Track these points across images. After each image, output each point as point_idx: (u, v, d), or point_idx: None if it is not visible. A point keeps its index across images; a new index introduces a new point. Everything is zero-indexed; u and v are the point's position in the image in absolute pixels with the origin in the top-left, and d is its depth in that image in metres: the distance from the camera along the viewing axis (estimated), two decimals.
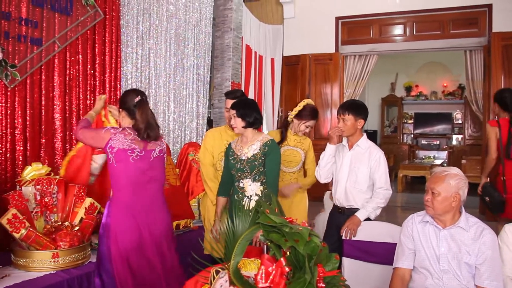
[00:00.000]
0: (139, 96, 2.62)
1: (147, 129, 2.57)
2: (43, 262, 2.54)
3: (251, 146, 3.00)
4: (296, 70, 7.65)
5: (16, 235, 2.51)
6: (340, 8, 7.47)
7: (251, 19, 6.52)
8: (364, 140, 3.20)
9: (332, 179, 3.35)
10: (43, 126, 3.34)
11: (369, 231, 3.03)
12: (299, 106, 3.50)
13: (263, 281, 1.57)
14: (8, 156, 3.06)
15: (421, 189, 9.93)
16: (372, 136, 12.28)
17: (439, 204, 2.30)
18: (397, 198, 9.02)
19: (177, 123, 4.83)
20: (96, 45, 3.79)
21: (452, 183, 2.28)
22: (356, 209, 3.12)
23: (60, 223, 2.86)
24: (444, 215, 2.33)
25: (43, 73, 3.34)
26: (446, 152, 12.50)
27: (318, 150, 3.59)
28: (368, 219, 3.09)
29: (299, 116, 3.49)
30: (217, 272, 1.57)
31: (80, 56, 3.64)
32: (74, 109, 3.59)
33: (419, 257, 2.42)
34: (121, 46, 4.01)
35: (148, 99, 4.29)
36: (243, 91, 3.58)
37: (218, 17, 5.78)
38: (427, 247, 2.39)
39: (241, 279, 1.54)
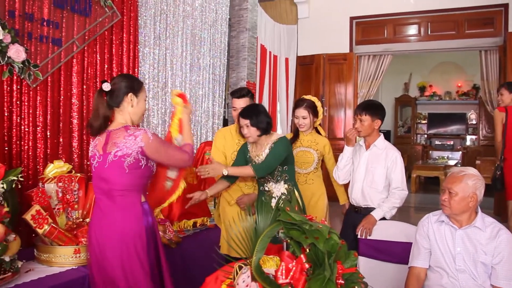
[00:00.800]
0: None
1: (92, 120, 2.30)
2: (65, 257, 2.59)
3: (264, 151, 3.04)
4: (310, 70, 7.67)
5: (40, 231, 2.57)
6: (355, 8, 7.48)
7: (266, 19, 6.55)
8: (381, 140, 3.23)
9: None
10: (61, 125, 3.40)
11: (384, 231, 3.05)
12: None
13: (284, 277, 1.61)
14: (30, 154, 3.13)
15: (434, 190, 9.92)
16: (385, 136, 12.16)
17: (457, 204, 2.31)
18: (410, 199, 9.00)
19: (193, 122, 4.88)
20: (114, 45, 3.85)
21: (470, 183, 2.30)
22: (372, 209, 3.15)
23: (81, 219, 2.93)
24: (460, 215, 2.35)
25: (62, 73, 3.40)
26: (460, 152, 12.43)
27: (332, 150, 3.62)
28: (383, 218, 3.12)
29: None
30: (240, 267, 1.61)
31: (98, 56, 3.69)
32: (91, 109, 3.64)
33: (434, 257, 2.44)
34: (138, 46, 4.07)
35: (164, 98, 4.42)
36: (249, 89, 3.56)
37: (233, 17, 5.82)
38: (443, 246, 2.41)
39: (263, 274, 1.58)
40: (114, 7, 3.75)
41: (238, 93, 3.40)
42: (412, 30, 7.37)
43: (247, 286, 1.58)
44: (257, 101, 6.14)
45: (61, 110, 3.39)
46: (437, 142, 13.53)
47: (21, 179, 2.73)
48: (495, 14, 6.76)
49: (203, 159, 3.89)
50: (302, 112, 3.49)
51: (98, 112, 2.29)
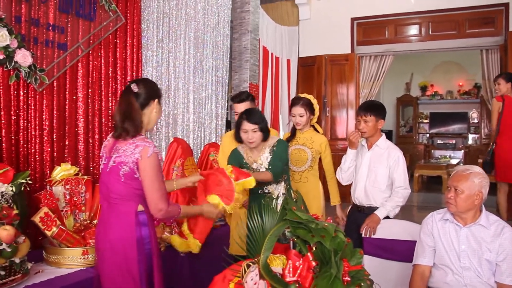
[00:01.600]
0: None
1: (122, 123, 2.20)
2: (73, 259, 2.63)
3: (262, 156, 3.04)
4: (312, 71, 7.70)
5: (48, 233, 2.60)
6: (356, 9, 7.50)
7: (268, 21, 6.59)
8: (383, 140, 3.26)
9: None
10: (67, 128, 3.44)
11: (388, 229, 3.08)
12: None
13: (291, 275, 1.64)
14: (37, 157, 3.17)
15: (437, 189, 9.93)
16: (387, 136, 12.17)
17: (463, 202, 2.33)
18: (413, 198, 9.01)
19: (197, 124, 4.91)
20: (118, 49, 3.89)
21: (476, 181, 2.32)
22: (375, 208, 3.17)
23: (88, 221, 2.96)
24: (466, 212, 2.37)
25: (67, 76, 3.43)
26: (462, 151, 12.43)
27: (334, 150, 3.65)
28: (387, 217, 3.15)
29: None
30: (248, 266, 1.64)
31: (103, 60, 3.73)
32: (96, 111, 3.68)
33: (439, 254, 2.46)
34: (142, 50, 4.10)
35: (167, 101, 4.45)
36: (248, 91, 3.60)
37: (235, 20, 5.85)
38: (447, 244, 2.43)
39: (270, 273, 1.61)
40: (118, 11, 3.79)
41: (238, 97, 3.46)
42: (413, 30, 7.40)
43: (255, 284, 1.61)
44: (260, 103, 6.17)
45: (67, 113, 3.43)
46: (439, 141, 13.53)
47: (29, 182, 2.77)
48: (495, 13, 6.77)
49: (207, 160, 3.93)
50: (298, 109, 3.51)
51: (131, 114, 2.20)
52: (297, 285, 1.61)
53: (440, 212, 2.53)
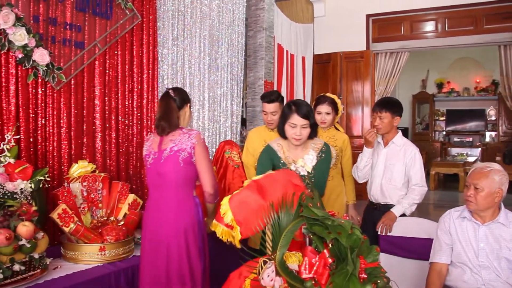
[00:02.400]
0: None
1: (158, 121, 2.57)
2: (91, 255, 2.67)
3: (306, 156, 2.69)
4: (327, 68, 7.67)
5: (66, 229, 2.64)
6: (371, 5, 7.46)
7: (283, 19, 6.57)
8: (399, 137, 3.24)
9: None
10: (84, 126, 3.47)
11: (405, 227, 3.06)
12: None
13: (307, 272, 1.64)
14: (55, 154, 3.21)
15: (453, 187, 9.84)
16: (403, 133, 12.12)
17: (483, 199, 2.30)
18: (429, 196, 8.95)
19: (212, 121, 4.92)
20: (134, 47, 3.91)
21: (496, 178, 2.29)
22: (391, 205, 3.16)
23: (105, 218, 2.99)
24: (485, 210, 2.34)
25: (85, 75, 3.47)
26: (479, 149, 12.30)
27: (351, 148, 3.64)
28: (403, 215, 3.13)
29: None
30: (265, 262, 1.65)
31: (119, 58, 3.76)
32: (113, 109, 3.71)
33: (456, 253, 2.44)
34: (157, 48, 4.13)
35: None
36: (279, 92, 3.61)
37: (250, 17, 5.85)
38: (465, 242, 2.40)
39: (287, 269, 1.61)
40: (135, 10, 3.82)
41: (268, 97, 3.47)
42: (429, 26, 7.33)
43: (271, 280, 1.62)
44: None
45: (84, 111, 3.46)
46: (455, 139, 13.40)
47: (48, 179, 2.81)
48: None
49: (223, 157, 3.94)
50: (326, 108, 3.50)
51: (169, 114, 2.57)
52: (313, 282, 1.61)
53: (457, 209, 2.51)
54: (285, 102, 3.28)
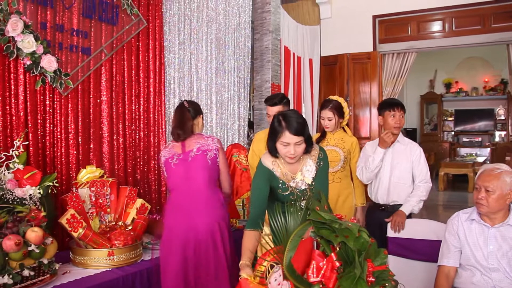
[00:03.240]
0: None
1: (174, 129, 2.83)
2: (99, 259, 2.68)
3: (304, 168, 2.41)
4: (334, 70, 7.65)
5: (75, 234, 2.65)
6: (377, 6, 7.43)
7: (289, 21, 6.57)
8: (402, 137, 3.33)
9: None
10: (92, 131, 3.49)
11: (413, 229, 3.05)
12: None
13: (314, 275, 1.63)
14: (63, 160, 3.23)
15: (462, 188, 9.78)
16: (411, 134, 12.13)
17: (495, 202, 2.27)
18: (438, 197, 8.89)
19: (219, 125, 4.93)
20: (140, 52, 3.93)
21: (508, 180, 2.26)
22: (398, 205, 3.18)
23: (114, 223, 3.01)
24: (497, 213, 2.31)
25: (91, 80, 3.49)
26: (489, 149, 12.21)
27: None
28: (410, 215, 3.15)
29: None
30: (272, 266, 1.65)
31: (125, 63, 3.78)
32: (120, 114, 3.73)
33: (465, 255, 2.41)
34: (164, 52, 4.14)
35: None
36: (283, 93, 3.63)
37: (256, 20, 5.85)
38: (474, 245, 2.38)
39: (294, 273, 1.61)
40: (140, 15, 3.84)
41: (270, 101, 3.48)
42: (436, 26, 7.28)
43: (279, 284, 1.61)
44: None
45: (91, 116, 3.48)
46: (464, 139, 13.31)
47: (56, 184, 2.83)
48: None
49: (230, 161, 3.95)
50: (327, 113, 3.51)
51: (184, 122, 2.81)
52: (321, 286, 1.60)
53: (466, 211, 2.48)
54: (291, 104, 3.28)
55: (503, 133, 12.58)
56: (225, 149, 4.52)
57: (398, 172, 3.24)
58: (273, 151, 2.35)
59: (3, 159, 2.64)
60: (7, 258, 2.18)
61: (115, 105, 3.68)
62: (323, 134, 3.61)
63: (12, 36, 2.84)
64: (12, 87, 2.93)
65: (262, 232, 2.29)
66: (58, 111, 3.22)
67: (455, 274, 2.46)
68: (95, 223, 2.96)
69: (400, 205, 3.19)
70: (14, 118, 2.93)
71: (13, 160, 2.66)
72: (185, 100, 2.96)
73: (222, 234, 2.71)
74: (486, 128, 13.04)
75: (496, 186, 2.26)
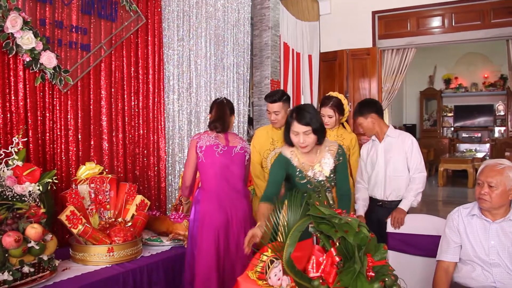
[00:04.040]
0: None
1: (215, 121, 3.01)
2: (99, 256, 2.68)
3: (322, 160, 2.61)
4: (333, 66, 7.63)
5: (74, 231, 2.65)
6: (376, 2, 7.41)
7: (288, 17, 6.55)
8: (392, 130, 3.33)
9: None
10: (91, 128, 3.49)
11: (413, 224, 3.06)
12: None
13: (314, 270, 1.64)
14: (62, 156, 3.23)
15: (462, 183, 9.78)
16: (411, 130, 12.14)
17: (498, 197, 2.26)
18: (438, 192, 8.91)
19: None
20: (139, 48, 3.92)
21: (511, 175, 2.26)
22: (396, 202, 3.18)
23: (113, 219, 3.01)
24: (499, 208, 2.31)
25: (91, 77, 3.49)
26: (488, 145, 12.21)
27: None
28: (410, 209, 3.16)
29: None
30: (272, 261, 1.65)
31: (125, 59, 3.77)
32: (119, 111, 3.73)
33: (465, 251, 2.41)
34: (163, 48, 4.14)
35: (189, 99, 4.48)
36: (283, 89, 3.63)
37: (256, 16, 5.84)
38: (475, 240, 2.37)
39: (294, 268, 1.61)
40: (139, 11, 3.83)
41: (270, 97, 3.48)
42: (436, 22, 7.26)
43: (279, 279, 1.61)
44: None
45: (91, 113, 3.48)
46: (464, 135, 13.32)
47: (56, 181, 2.83)
48: None
49: None
50: (328, 111, 3.52)
51: (224, 117, 3.02)
52: (321, 281, 1.60)
53: (466, 206, 2.48)
54: (291, 101, 3.29)
55: (502, 128, 12.58)
56: None
57: (392, 165, 3.24)
58: (288, 141, 2.60)
59: (3, 156, 2.64)
60: (7, 255, 2.18)
61: (115, 101, 3.68)
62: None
63: (11, 33, 2.83)
64: (12, 83, 2.92)
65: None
66: (58, 108, 3.22)
67: (454, 269, 2.46)
68: (95, 219, 2.96)
69: (398, 201, 3.19)
70: (13, 115, 2.93)
71: (12, 156, 2.66)
72: (224, 97, 3.15)
73: (251, 223, 2.88)
74: (485, 124, 13.04)
75: (499, 182, 2.26)
